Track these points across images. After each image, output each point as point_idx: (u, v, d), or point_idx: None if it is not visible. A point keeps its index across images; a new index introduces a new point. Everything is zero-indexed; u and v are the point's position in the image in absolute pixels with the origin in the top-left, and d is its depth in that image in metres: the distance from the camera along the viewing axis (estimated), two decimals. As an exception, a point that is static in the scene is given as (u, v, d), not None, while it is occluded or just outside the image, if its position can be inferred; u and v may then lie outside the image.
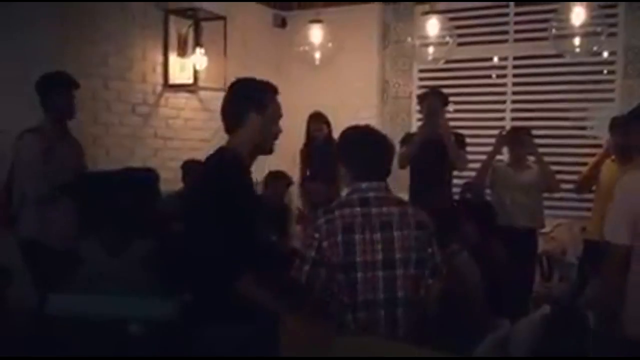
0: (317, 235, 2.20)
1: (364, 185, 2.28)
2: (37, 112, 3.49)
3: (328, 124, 5.20)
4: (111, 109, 4.67)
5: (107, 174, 2.87)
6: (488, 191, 4.49)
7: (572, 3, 4.15)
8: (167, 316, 2.00)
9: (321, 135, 5.17)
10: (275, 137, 2.33)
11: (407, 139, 4.54)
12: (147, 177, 2.62)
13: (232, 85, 2.33)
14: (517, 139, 4.30)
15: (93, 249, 2.29)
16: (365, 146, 2.31)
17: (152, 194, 2.42)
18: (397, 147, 4.73)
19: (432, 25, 4.72)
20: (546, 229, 4.64)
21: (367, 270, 2.18)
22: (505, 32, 5.60)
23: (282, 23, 6.26)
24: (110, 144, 4.66)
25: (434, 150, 4.24)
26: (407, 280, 2.22)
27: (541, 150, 4.38)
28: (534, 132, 4.50)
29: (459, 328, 2.58)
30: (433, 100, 4.34)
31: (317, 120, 5.20)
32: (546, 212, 4.46)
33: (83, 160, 3.74)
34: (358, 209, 2.23)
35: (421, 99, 4.52)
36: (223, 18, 5.30)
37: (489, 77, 5.80)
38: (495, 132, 4.55)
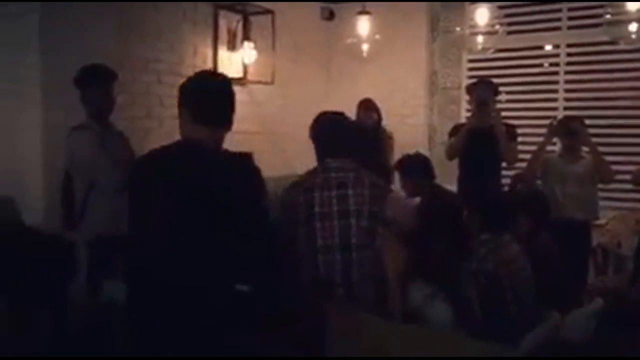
0: (287, 198, 2.65)
1: (328, 160, 2.69)
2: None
3: (378, 112, 5.15)
4: (164, 103, 4.79)
5: None
6: (539, 182, 4.41)
7: (627, -12, 4.02)
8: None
9: (370, 121, 5.10)
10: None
11: (456, 130, 4.50)
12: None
13: None
14: (569, 128, 4.20)
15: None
16: (330, 129, 2.73)
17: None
18: (446, 138, 4.74)
19: (482, 14, 4.66)
20: (601, 221, 4.53)
21: (325, 220, 2.57)
22: (558, 20, 5.47)
23: (330, 16, 6.28)
24: (163, 138, 4.75)
25: (484, 141, 4.20)
26: (360, 230, 2.56)
27: (595, 140, 4.28)
28: (587, 121, 4.39)
29: (507, 318, 2.57)
30: (482, 90, 4.29)
31: (367, 106, 5.12)
32: (600, 203, 4.35)
33: (132, 153, 3.78)
34: (321, 174, 2.66)
35: (470, 89, 4.47)
36: (271, 12, 5.35)
37: (541, 65, 5.68)
38: (548, 122, 4.46)
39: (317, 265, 2.56)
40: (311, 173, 2.71)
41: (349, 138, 2.75)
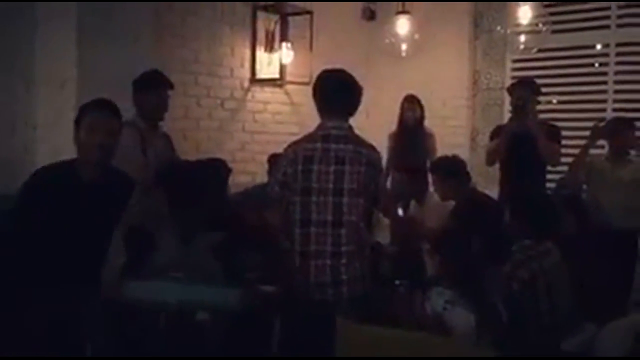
0: (284, 163, 2.73)
1: (329, 123, 2.72)
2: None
3: (422, 108, 5.05)
4: (201, 104, 4.83)
5: (186, 164, 2.94)
6: (584, 187, 4.23)
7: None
8: (234, 306, 2.03)
9: (413, 115, 5.01)
10: (92, 146, 2.43)
11: (496, 132, 4.36)
12: (213, 168, 2.67)
13: None
14: (616, 130, 4.01)
15: (166, 236, 2.37)
16: (333, 87, 2.72)
17: (219, 184, 2.46)
18: (487, 141, 4.60)
19: (525, 13, 4.53)
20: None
21: (320, 195, 2.66)
22: (607, 17, 5.24)
23: (371, 15, 6.20)
24: (200, 138, 4.81)
25: (524, 142, 4.04)
26: (352, 207, 2.67)
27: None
28: (637, 124, 4.19)
29: (539, 328, 2.47)
30: (521, 91, 4.14)
31: (411, 101, 5.05)
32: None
33: (174, 153, 3.86)
34: (319, 144, 2.69)
35: (510, 90, 4.33)
36: (310, 12, 5.32)
37: (589, 65, 5.44)
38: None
39: (309, 237, 2.65)
40: (306, 138, 2.78)
41: (349, 96, 2.75)
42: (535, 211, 2.95)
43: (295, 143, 2.79)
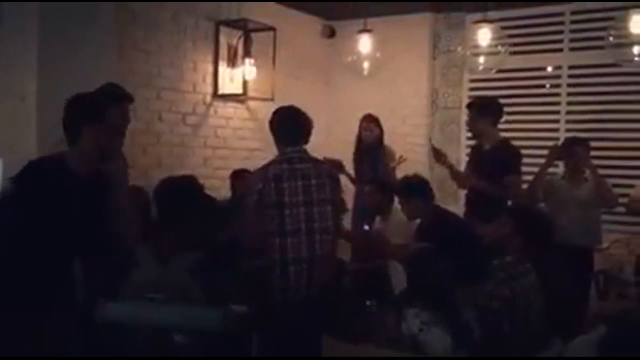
0: (258, 182, 3.12)
1: (289, 149, 3.16)
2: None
3: (380, 127, 5.08)
4: (163, 119, 4.76)
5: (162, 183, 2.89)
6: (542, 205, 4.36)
7: (631, 10, 4.01)
8: (213, 327, 2.00)
9: (372, 135, 5.03)
10: (115, 142, 2.52)
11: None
12: (189, 186, 2.65)
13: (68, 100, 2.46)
14: (570, 151, 4.14)
15: (145, 256, 2.33)
16: (288, 122, 3.20)
17: (191, 201, 2.44)
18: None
19: (484, 35, 4.63)
20: (603, 245, 4.47)
21: (292, 207, 3.05)
22: (560, 41, 5.45)
23: (332, 33, 6.26)
24: (161, 153, 4.74)
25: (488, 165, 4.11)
26: (321, 214, 3.11)
27: (596, 163, 4.23)
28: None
29: (512, 345, 2.52)
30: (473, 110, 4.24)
31: (369, 120, 5.06)
32: (603, 227, 4.30)
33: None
34: (285, 165, 3.13)
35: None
36: (272, 29, 5.34)
37: (543, 86, 5.65)
38: (549, 143, 4.41)
39: (286, 245, 3.01)
40: (273, 162, 3.19)
41: (304, 128, 3.22)
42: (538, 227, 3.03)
43: (262, 167, 3.21)
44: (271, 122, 3.27)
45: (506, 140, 4.24)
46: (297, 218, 3.04)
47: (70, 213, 2.31)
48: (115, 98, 3.39)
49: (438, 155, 4.35)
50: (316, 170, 3.16)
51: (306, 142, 3.23)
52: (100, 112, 2.41)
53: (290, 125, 3.20)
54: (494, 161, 4.01)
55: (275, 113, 3.31)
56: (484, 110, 4.17)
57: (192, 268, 2.26)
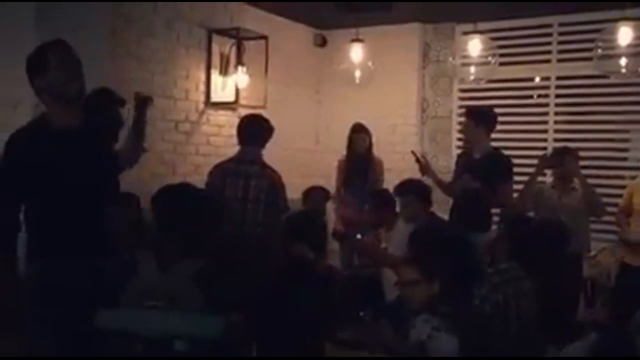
0: (208, 180, 3.81)
1: (243, 149, 3.79)
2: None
3: (370, 135, 5.12)
4: (155, 126, 4.74)
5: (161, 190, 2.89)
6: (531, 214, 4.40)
7: (619, 23, 4.08)
8: (213, 335, 2.00)
9: (362, 144, 5.07)
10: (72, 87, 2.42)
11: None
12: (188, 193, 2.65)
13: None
14: (563, 159, 4.20)
15: (147, 263, 2.33)
16: (248, 126, 3.85)
17: (196, 208, 2.44)
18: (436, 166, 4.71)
19: (474, 45, 4.70)
20: (591, 253, 4.53)
21: (234, 203, 3.65)
22: (549, 52, 5.53)
23: (323, 42, 6.31)
24: (153, 161, 4.72)
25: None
26: (259, 212, 3.65)
27: (585, 172, 4.29)
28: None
29: (505, 350, 2.54)
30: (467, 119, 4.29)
31: (359, 130, 5.11)
32: (591, 235, 4.36)
33: None
34: (234, 164, 3.78)
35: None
36: (265, 37, 5.36)
37: (531, 97, 5.73)
38: (538, 153, 4.47)
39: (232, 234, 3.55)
40: (230, 159, 3.83)
41: (259, 133, 3.84)
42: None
43: (218, 164, 3.87)
44: (238, 125, 3.94)
45: (497, 150, 4.29)
46: (239, 213, 3.62)
47: (65, 164, 2.32)
48: (108, 101, 3.42)
49: (420, 165, 4.41)
50: (259, 173, 3.69)
51: (262, 145, 3.82)
52: (42, 65, 2.38)
53: (249, 130, 3.82)
54: (484, 170, 4.06)
55: (241, 119, 4.04)
56: (481, 118, 4.21)
57: (195, 275, 2.26)
